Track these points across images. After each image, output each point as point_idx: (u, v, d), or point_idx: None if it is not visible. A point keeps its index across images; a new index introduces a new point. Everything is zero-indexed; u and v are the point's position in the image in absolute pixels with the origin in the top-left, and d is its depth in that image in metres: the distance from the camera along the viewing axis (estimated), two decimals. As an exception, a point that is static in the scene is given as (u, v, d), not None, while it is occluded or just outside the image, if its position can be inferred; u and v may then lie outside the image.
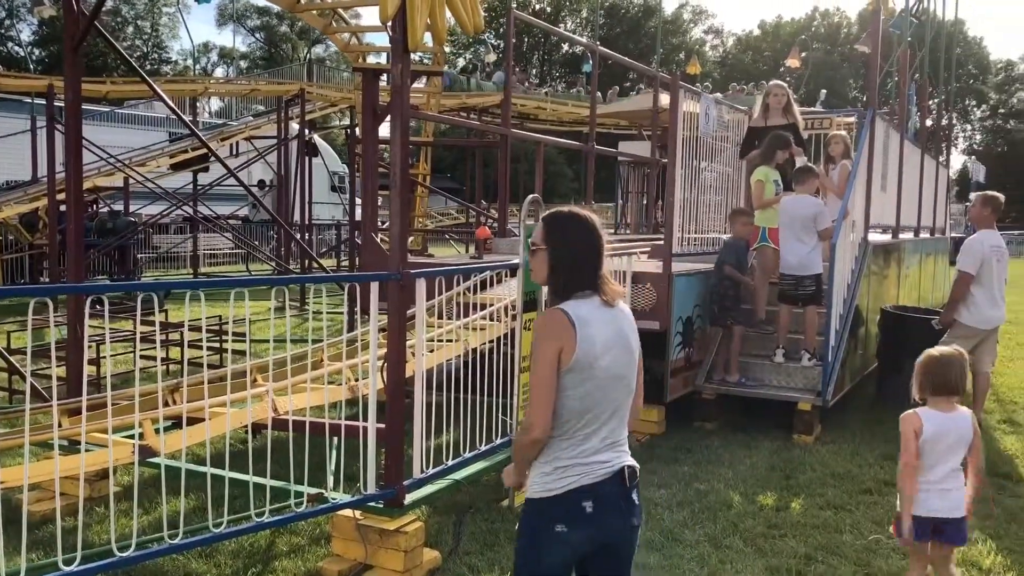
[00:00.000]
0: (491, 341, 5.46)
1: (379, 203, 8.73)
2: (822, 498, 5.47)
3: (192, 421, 4.74)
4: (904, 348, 8.07)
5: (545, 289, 4.82)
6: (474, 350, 5.29)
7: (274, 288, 5.59)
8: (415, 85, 17.19)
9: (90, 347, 7.71)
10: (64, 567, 3.26)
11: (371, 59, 9.08)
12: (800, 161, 8.36)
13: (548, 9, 65.18)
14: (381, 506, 4.31)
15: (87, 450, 4.31)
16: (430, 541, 4.52)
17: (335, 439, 4.94)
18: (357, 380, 5.50)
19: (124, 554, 3.45)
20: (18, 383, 7.74)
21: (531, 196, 5.11)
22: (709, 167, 8.59)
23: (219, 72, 63.37)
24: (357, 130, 16.47)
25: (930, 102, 15.61)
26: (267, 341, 4.84)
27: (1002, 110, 66.46)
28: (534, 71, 56.36)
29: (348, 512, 4.31)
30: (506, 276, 5.45)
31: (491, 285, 5.35)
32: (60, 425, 4.89)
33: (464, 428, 4.80)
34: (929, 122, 15.69)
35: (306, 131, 19.99)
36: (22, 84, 18.81)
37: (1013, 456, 6.52)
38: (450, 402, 4.78)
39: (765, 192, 7.74)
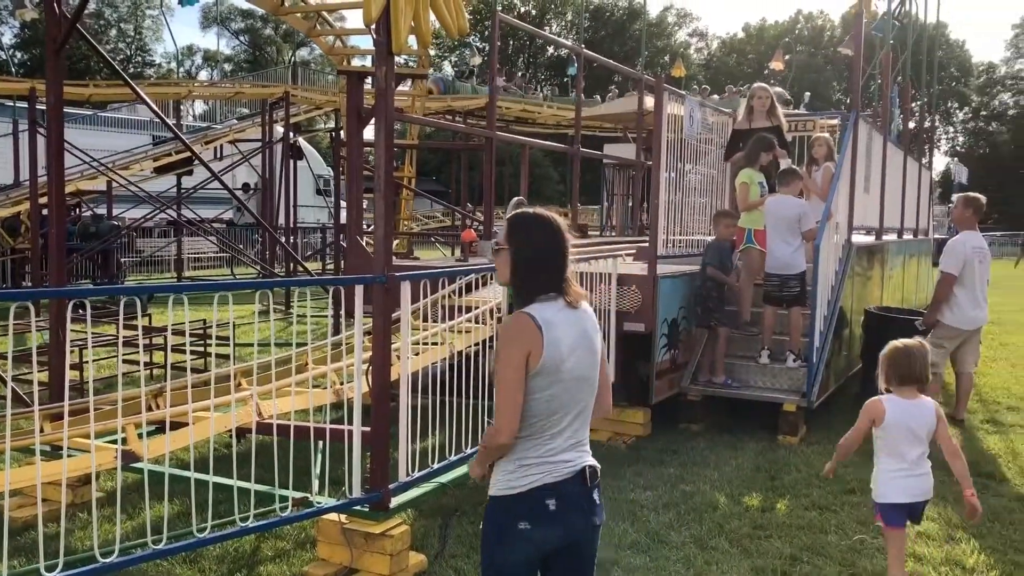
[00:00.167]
0: (476, 344, 5.45)
1: (364, 206, 8.72)
2: (807, 499, 5.49)
3: (176, 426, 4.71)
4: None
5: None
6: (459, 353, 5.28)
7: (258, 291, 5.57)
8: (400, 88, 17.17)
9: (73, 352, 7.66)
10: (46, 573, 3.23)
11: (356, 62, 9.06)
12: (784, 163, 8.40)
13: (533, 12, 65.26)
14: (367, 510, 4.30)
15: (69, 455, 4.28)
16: (416, 544, 4.51)
17: (320, 443, 4.92)
18: (342, 383, 5.49)
19: (107, 560, 3.42)
20: (-1, 388, 7.68)
21: (516, 199, 5.11)
22: (694, 169, 8.62)
23: (203, 75, 63.14)
24: (342, 133, 16.43)
25: (913, 104, 15.71)
26: (252, 345, 4.82)
27: (984, 112, 66.96)
28: (520, 74, 56.38)
29: (333, 516, 4.29)
30: (491, 279, 5.45)
31: (476, 288, 5.34)
32: (42, 430, 4.85)
33: (450, 431, 4.79)
34: (912, 124, 15.80)
35: (291, 134, 19.94)
36: (4, 87, 18.70)
37: (996, 456, 6.56)
38: (436, 405, 4.77)
39: (750, 194, 7.78)
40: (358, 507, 4.28)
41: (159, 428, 4.90)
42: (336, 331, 7.21)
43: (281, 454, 4.02)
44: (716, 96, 21.66)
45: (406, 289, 4.46)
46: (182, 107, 28.84)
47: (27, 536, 4.65)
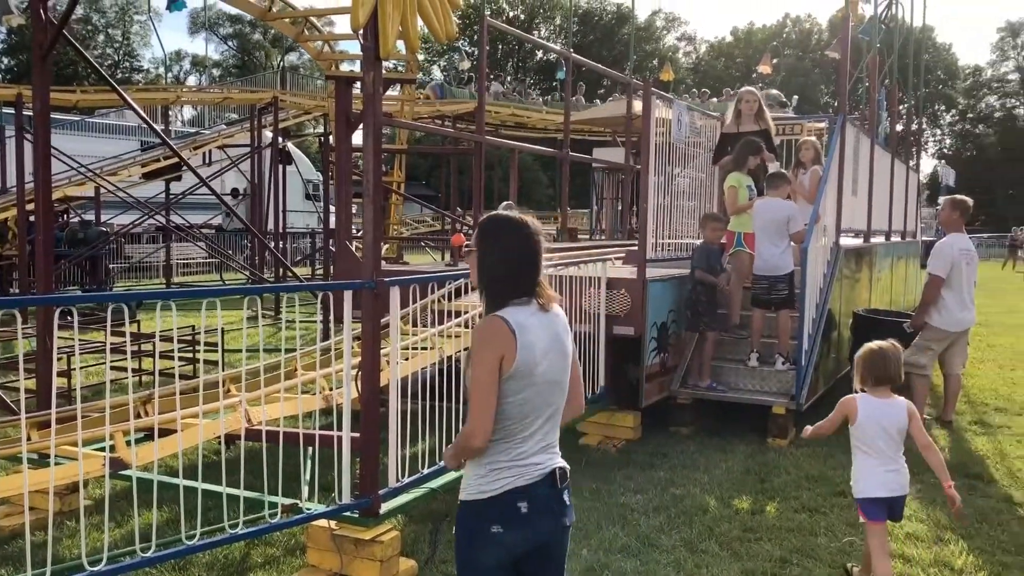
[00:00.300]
0: (466, 348, 5.44)
1: (353, 211, 8.70)
2: (797, 501, 5.50)
3: (165, 433, 4.69)
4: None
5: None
6: (449, 357, 5.28)
7: (247, 297, 5.55)
8: (389, 92, 17.17)
9: (60, 359, 7.62)
10: (33, 583, 3.21)
11: (345, 66, 9.05)
12: (773, 167, 8.44)
13: (522, 16, 65.34)
14: (356, 516, 4.29)
15: (57, 463, 4.26)
16: (406, 550, 4.50)
17: (310, 449, 4.91)
18: (331, 389, 5.48)
19: (95, 568, 3.41)
20: (-13, 396, 7.63)
21: (505, 203, 5.12)
22: (683, 173, 8.64)
23: (192, 80, 62.94)
24: (331, 138, 16.42)
25: (900, 107, 15.80)
26: (241, 351, 4.82)
27: (971, 115, 67.40)
28: (508, 78, 56.43)
29: (323, 522, 4.28)
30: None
31: (466, 292, 5.34)
32: (29, 439, 4.83)
33: (439, 436, 4.78)
34: (899, 127, 15.88)
35: (280, 139, 19.89)
36: (-10, 93, 18.59)
37: (984, 457, 6.59)
38: (425, 410, 4.77)
39: (738, 198, 7.80)
40: (348, 513, 4.28)
41: (148, 435, 4.88)
42: (325, 336, 7.19)
43: (270, 460, 4.00)
44: (715, 99, 21.76)
45: (395, 294, 4.46)
46: (170, 112, 28.76)
47: (15, 545, 4.62)
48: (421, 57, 53.78)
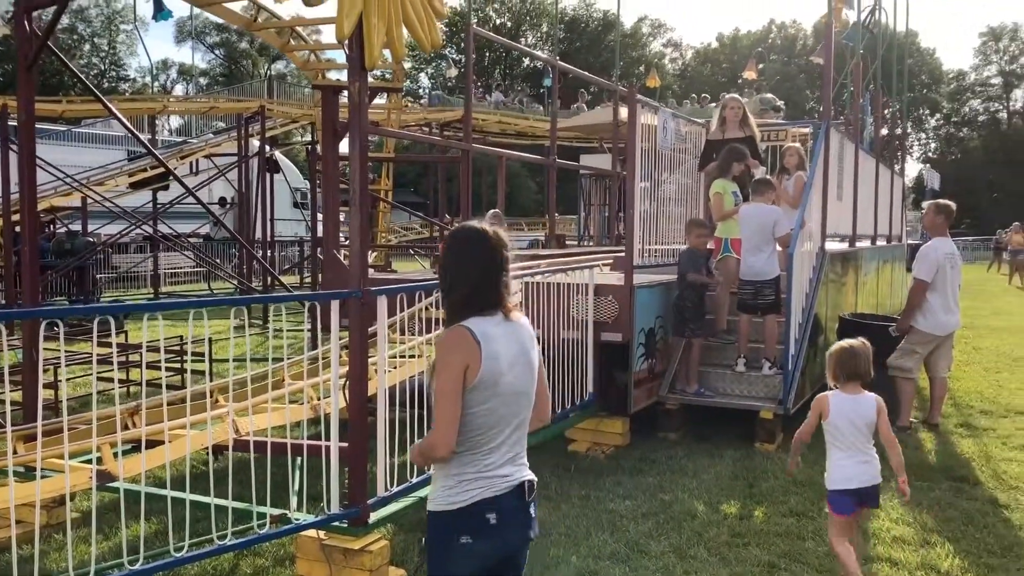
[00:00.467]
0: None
1: (341, 219, 8.70)
2: (785, 505, 5.53)
3: (152, 444, 4.68)
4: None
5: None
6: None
7: (234, 307, 5.55)
8: (376, 101, 17.18)
9: (47, 371, 7.59)
10: (20, 597, 3.20)
11: (332, 75, 9.06)
12: (759, 172, 8.48)
13: (509, 24, 65.50)
14: (345, 525, 4.29)
15: (43, 476, 4.24)
16: (396, 559, 4.50)
17: (298, 459, 4.90)
18: (319, 399, 5.47)
19: (82, 581, 3.40)
20: (-27, 409, 7.58)
21: (492, 211, 5.13)
22: (669, 179, 8.68)
23: (179, 89, 62.87)
24: (318, 146, 16.41)
25: (885, 112, 15.90)
26: (228, 361, 4.81)
27: (955, 119, 67.94)
28: (496, 85, 56.49)
29: (312, 532, 4.27)
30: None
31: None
32: (15, 452, 4.81)
33: (428, 444, 4.78)
34: (884, 131, 15.99)
35: (267, 148, 19.87)
36: (-25, 104, 18.49)
37: (970, 459, 6.64)
38: (413, 419, 4.77)
39: (724, 204, 7.84)
40: (337, 523, 4.27)
41: (135, 447, 4.87)
42: (313, 345, 7.19)
43: (259, 471, 4.00)
44: (713, 104, 21.81)
45: (382, 303, 4.47)
46: (157, 122, 28.69)
47: (1, 558, 4.60)
48: (408, 65, 53.89)
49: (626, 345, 6.83)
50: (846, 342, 4.30)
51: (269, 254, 20.61)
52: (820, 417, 4.21)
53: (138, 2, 38.00)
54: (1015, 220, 29.64)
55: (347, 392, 4.31)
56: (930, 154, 68.46)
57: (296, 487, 4.59)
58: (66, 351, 8.46)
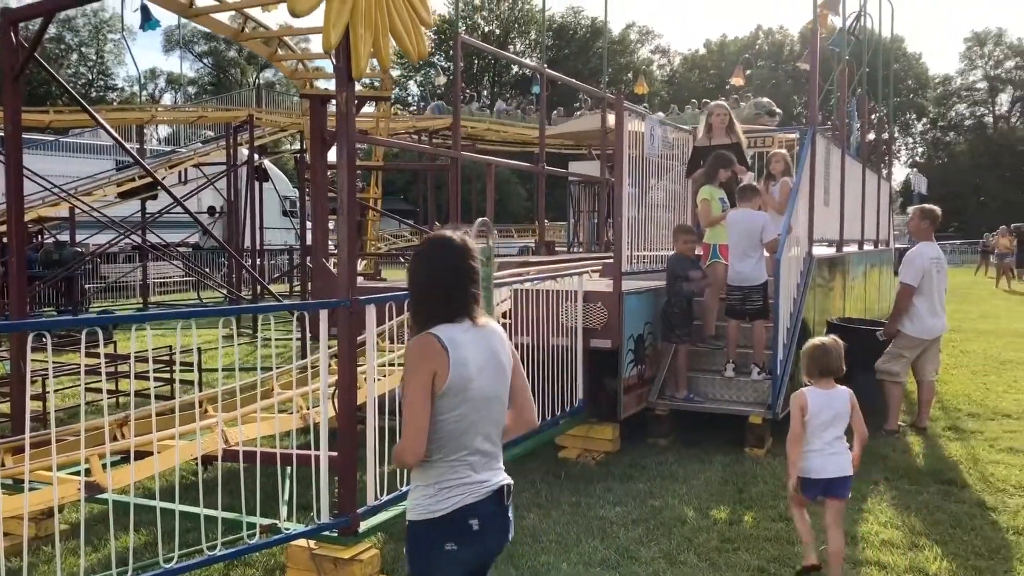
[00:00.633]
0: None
1: (331, 227, 8.70)
2: (774, 510, 5.54)
3: (141, 455, 4.67)
4: (851, 360, 8.23)
5: (496, 308, 4.83)
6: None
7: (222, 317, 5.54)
8: (364, 109, 17.18)
9: (34, 382, 7.56)
10: (8, 610, 3.19)
11: (320, 83, 9.06)
12: (748, 178, 8.53)
13: (497, 31, 65.63)
14: (335, 535, 4.29)
15: (31, 488, 4.23)
16: (386, 568, 4.50)
17: (287, 468, 4.90)
18: (309, 408, 5.47)
19: (71, 594, 3.39)
20: (-40, 421, 7.55)
21: (480, 219, 5.14)
22: (657, 185, 8.71)
23: (167, 98, 62.73)
24: (307, 155, 16.40)
25: (872, 117, 16.00)
26: (217, 370, 4.81)
27: (941, 123, 68.34)
28: (484, 92, 56.63)
29: (302, 542, 4.27)
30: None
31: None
32: (3, 464, 4.80)
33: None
34: (871, 136, 16.07)
35: (256, 156, 19.84)
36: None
37: (958, 462, 6.67)
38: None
39: (712, 210, 7.88)
40: (327, 532, 4.27)
41: (124, 458, 4.85)
42: (303, 355, 7.18)
43: (248, 481, 4.00)
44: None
45: (371, 312, 4.48)
46: (146, 131, 28.62)
47: (-10, 571, 4.58)
48: (396, 73, 53.93)
49: (615, 351, 6.86)
50: (818, 339, 4.54)
51: (258, 263, 20.58)
52: (802, 412, 4.37)
53: (126, 12, 37.94)
54: (1002, 224, 29.86)
55: (336, 401, 4.32)
56: (917, 158, 68.84)
57: (286, 497, 4.59)
58: (54, 362, 8.43)
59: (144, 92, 54.59)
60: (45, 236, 20.64)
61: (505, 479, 2.72)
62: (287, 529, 4.21)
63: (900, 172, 61.22)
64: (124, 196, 20.48)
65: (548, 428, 6.41)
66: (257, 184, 19.98)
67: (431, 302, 2.63)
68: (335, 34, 3.98)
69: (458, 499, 2.59)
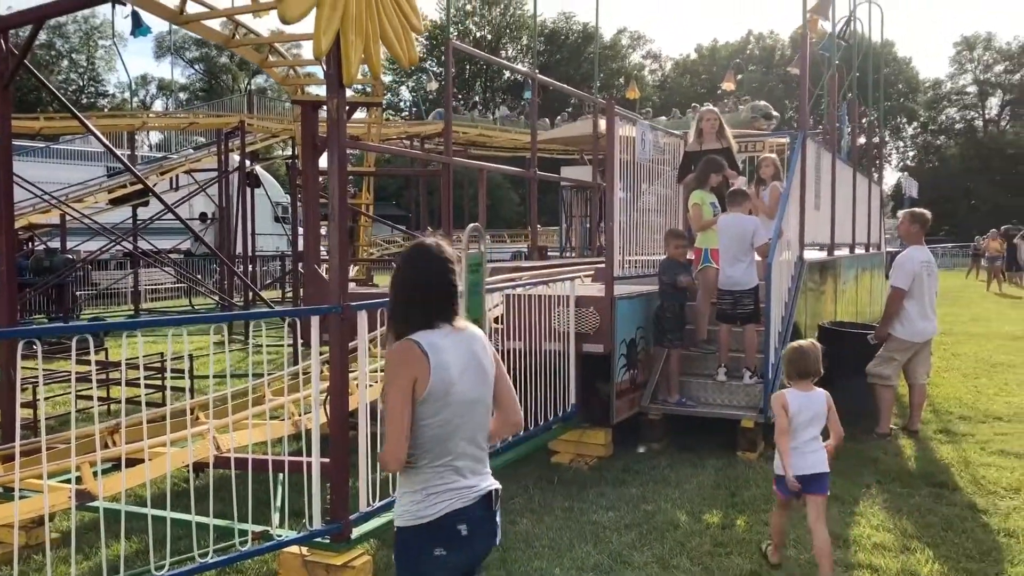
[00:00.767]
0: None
1: (323, 233, 8.69)
2: (766, 514, 5.53)
3: (132, 462, 4.66)
4: (842, 363, 8.26)
5: (489, 314, 4.84)
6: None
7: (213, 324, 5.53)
8: (356, 115, 17.20)
9: (25, 389, 7.53)
10: (-1, 619, 3.18)
11: (311, 89, 9.06)
12: (740, 182, 8.55)
13: (489, 37, 65.73)
14: (328, 541, 4.28)
15: (22, 497, 4.21)
16: (379, 575, 4.49)
17: (279, 475, 4.89)
18: (300, 415, 5.46)
19: (62, 602, 3.37)
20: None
21: (472, 225, 5.14)
22: (649, 190, 8.73)
23: (158, 104, 62.61)
24: (299, 161, 16.38)
25: (863, 121, 16.05)
26: (209, 377, 4.80)
27: (932, 127, 68.61)
28: (476, 97, 56.62)
29: (294, 549, 4.27)
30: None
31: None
32: (-6, 472, 4.77)
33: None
34: (862, 140, 16.13)
35: (248, 162, 19.81)
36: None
37: (949, 465, 6.70)
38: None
39: (703, 214, 7.90)
40: (319, 539, 4.27)
41: (115, 465, 4.84)
42: (294, 361, 7.17)
43: (240, 487, 3.99)
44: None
45: (362, 318, 4.48)
46: (137, 137, 28.56)
47: (-20, 580, 4.56)
48: (388, 79, 53.92)
49: (607, 356, 6.87)
50: (797, 343, 4.71)
51: (250, 269, 20.54)
52: (785, 411, 4.52)
53: (116, 18, 37.89)
54: (992, 227, 29.98)
55: (328, 407, 4.31)
56: (908, 162, 69.08)
57: (278, 503, 4.58)
58: (45, 370, 8.40)
59: (135, 98, 54.54)
60: (36, 243, 20.56)
61: (493, 484, 2.73)
62: (279, 536, 4.21)
63: (891, 176, 61.42)
64: (115, 203, 20.41)
65: (541, 433, 6.41)
66: (249, 190, 19.93)
67: (409, 309, 2.65)
68: (326, 40, 3.99)
69: (446, 504, 2.59)
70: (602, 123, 10.30)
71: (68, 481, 4.51)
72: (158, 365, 8.99)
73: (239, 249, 20.18)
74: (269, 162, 33.39)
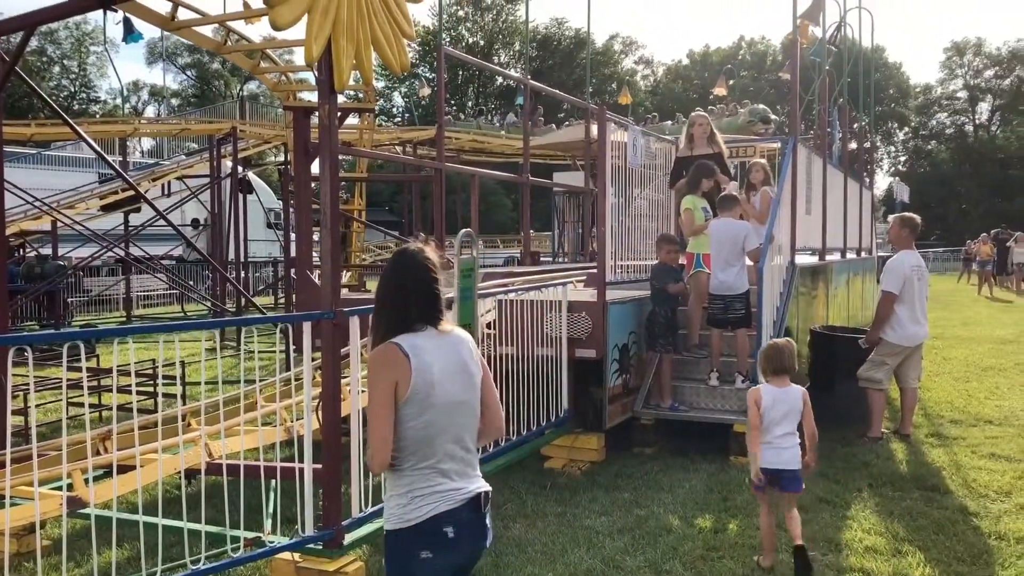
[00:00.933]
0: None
1: (315, 239, 8.69)
2: (758, 518, 5.55)
3: (124, 469, 4.65)
4: (834, 367, 8.30)
5: (480, 320, 4.85)
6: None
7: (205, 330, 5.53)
8: (348, 121, 17.19)
9: (16, 397, 7.50)
10: (-11, 627, 3.17)
11: (304, 95, 9.06)
12: (732, 187, 8.58)
13: (481, 43, 65.79)
14: (320, 547, 4.28)
15: (13, 504, 4.20)
16: (371, 580, 4.49)
17: (272, 481, 4.89)
18: (293, 421, 5.46)
19: (53, 610, 3.37)
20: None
21: (464, 230, 5.15)
22: (640, 195, 8.75)
23: (150, 110, 62.52)
24: (291, 167, 16.37)
25: (854, 126, 16.11)
26: (201, 384, 4.79)
27: (923, 132, 68.89)
28: (469, 103, 56.72)
29: (287, 555, 4.26)
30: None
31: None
32: (-15, 479, 4.75)
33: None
34: (853, 145, 16.18)
35: (240, 168, 19.79)
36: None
37: (940, 468, 6.72)
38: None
39: (695, 219, 7.92)
40: (312, 545, 4.27)
41: (107, 472, 4.83)
42: (287, 367, 7.16)
43: (232, 494, 3.99)
44: (727, 118, 22.04)
45: (355, 324, 4.48)
46: (129, 143, 28.50)
47: (-30, 588, 4.54)
48: (380, 85, 53.93)
49: (600, 361, 6.88)
50: (773, 340, 4.92)
51: (242, 275, 20.50)
52: (757, 407, 4.63)
53: (108, 24, 37.82)
54: (983, 231, 30.12)
55: (320, 413, 4.31)
56: (899, 167, 69.34)
57: (270, 510, 4.57)
58: (36, 377, 8.37)
59: (127, 105, 54.45)
60: (27, 249, 20.49)
61: (482, 486, 2.72)
62: (271, 542, 4.20)
63: (882, 181, 61.61)
64: (107, 209, 20.37)
65: (533, 438, 6.42)
66: (241, 196, 19.92)
67: (392, 313, 2.67)
68: (317, 47, 3.99)
69: (432, 507, 2.59)
70: (594, 128, 10.33)
71: (59, 488, 4.49)
72: (150, 371, 8.96)
73: (231, 255, 20.15)
74: (261, 168, 33.38)
